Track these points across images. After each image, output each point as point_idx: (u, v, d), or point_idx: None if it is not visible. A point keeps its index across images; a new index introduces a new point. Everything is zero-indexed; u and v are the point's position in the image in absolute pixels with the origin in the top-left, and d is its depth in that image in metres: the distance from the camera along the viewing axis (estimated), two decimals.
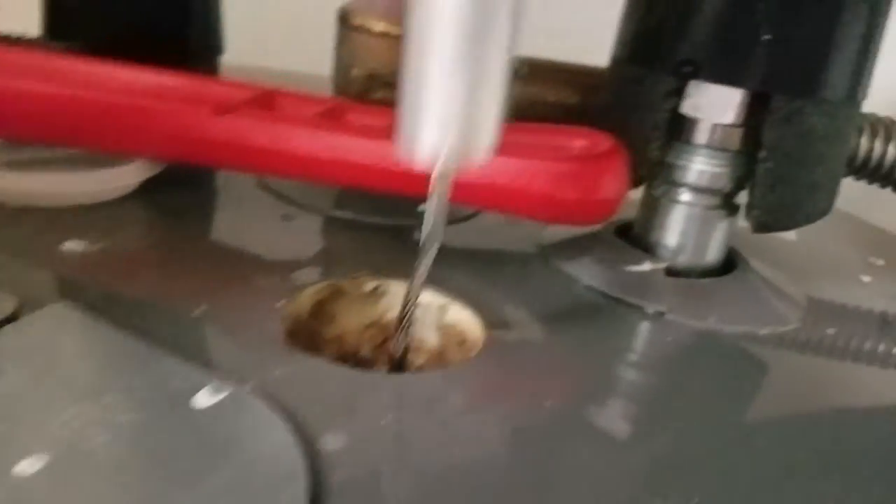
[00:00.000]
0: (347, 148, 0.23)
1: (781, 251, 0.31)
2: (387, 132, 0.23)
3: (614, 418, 0.18)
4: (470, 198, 0.23)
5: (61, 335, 0.17)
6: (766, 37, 0.22)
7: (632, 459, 0.16)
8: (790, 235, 0.33)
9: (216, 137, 0.23)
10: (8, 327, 0.17)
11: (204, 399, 0.15)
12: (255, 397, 0.15)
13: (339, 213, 0.28)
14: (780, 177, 0.24)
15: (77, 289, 0.19)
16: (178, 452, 0.14)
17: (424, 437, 0.16)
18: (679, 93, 0.24)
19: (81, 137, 0.24)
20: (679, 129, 0.24)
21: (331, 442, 0.15)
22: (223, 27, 0.37)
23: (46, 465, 0.13)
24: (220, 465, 0.13)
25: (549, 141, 0.24)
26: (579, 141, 0.24)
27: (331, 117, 0.24)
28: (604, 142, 0.23)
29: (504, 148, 0.21)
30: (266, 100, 0.25)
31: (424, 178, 0.16)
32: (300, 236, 0.26)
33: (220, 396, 0.15)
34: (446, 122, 0.15)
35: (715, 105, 0.23)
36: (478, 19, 0.15)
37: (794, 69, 0.22)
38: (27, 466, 0.13)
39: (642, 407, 0.18)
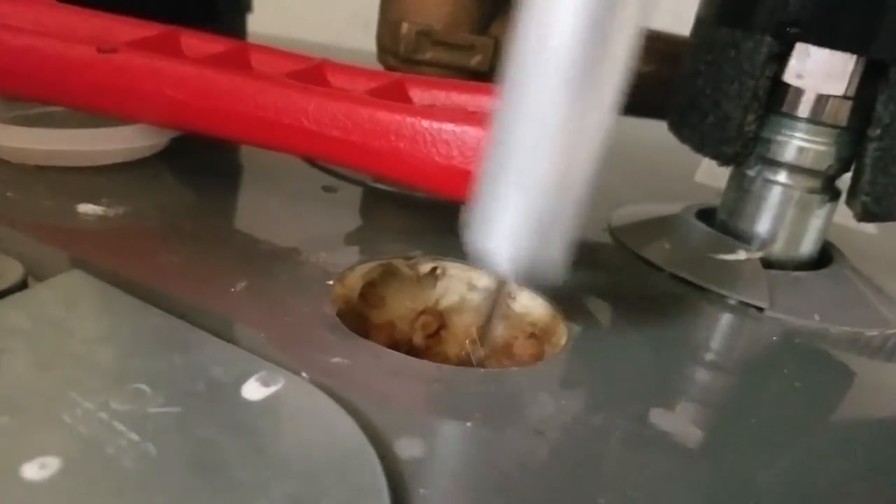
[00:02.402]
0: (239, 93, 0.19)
1: (860, 245, 0.28)
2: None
3: (707, 423, 0.15)
4: (368, 164, 0.19)
5: (78, 308, 0.14)
6: None
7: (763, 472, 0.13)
8: (870, 228, 0.30)
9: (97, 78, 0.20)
10: (14, 297, 0.14)
11: (254, 390, 0.12)
12: (317, 390, 0.13)
13: (382, 186, 0.25)
14: (895, 158, 0.21)
15: (95, 257, 0.17)
16: (228, 457, 0.11)
17: (513, 446, 0.13)
18: (781, 58, 0.21)
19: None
20: (778, 99, 0.21)
21: (408, 447, 0.12)
22: None
23: (59, 471, 0.10)
24: (281, 475, 0.11)
25: (455, 98, 0.20)
26: (490, 99, 0.20)
27: (232, 61, 0.21)
28: None
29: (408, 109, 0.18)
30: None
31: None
32: (343, 210, 0.23)
33: (274, 388, 0.12)
34: (518, 238, 0.13)
35: (823, 73, 0.20)
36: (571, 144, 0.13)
37: None
38: (36, 470, 0.10)
39: (748, 412, 0.16)
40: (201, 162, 0.24)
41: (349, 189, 0.24)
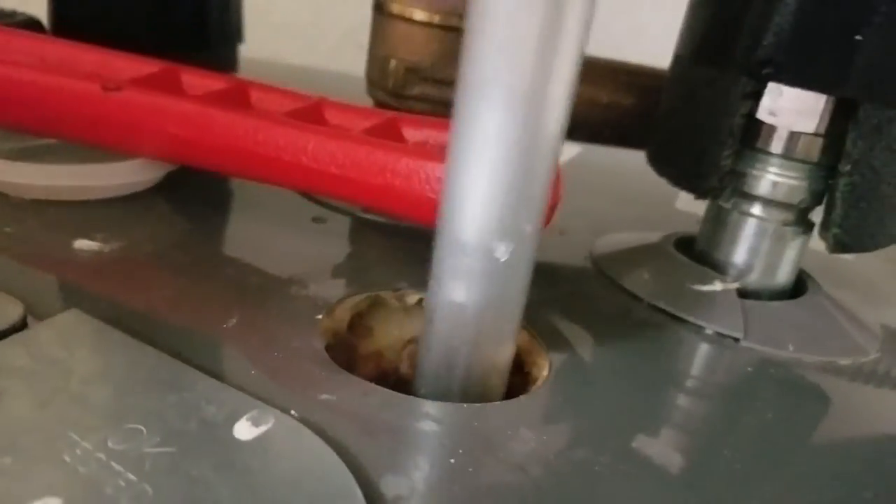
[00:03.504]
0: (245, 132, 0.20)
1: (840, 273, 0.29)
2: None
3: (686, 455, 0.15)
4: (369, 201, 0.20)
5: (76, 348, 0.14)
6: (858, 38, 0.20)
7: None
8: (848, 256, 0.31)
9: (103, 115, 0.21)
10: (13, 338, 0.14)
11: (245, 430, 0.13)
12: (306, 429, 0.13)
13: (371, 217, 0.25)
14: (865, 193, 0.21)
15: (92, 293, 0.17)
16: (221, 497, 0.11)
17: (498, 481, 0.13)
18: (755, 96, 0.22)
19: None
20: (753, 135, 0.22)
21: (393, 486, 0.13)
22: (243, 16, 0.35)
23: None
24: None
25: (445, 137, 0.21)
26: None
27: (232, 98, 0.22)
28: None
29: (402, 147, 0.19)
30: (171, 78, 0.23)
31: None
32: (333, 241, 0.23)
33: (265, 427, 0.13)
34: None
35: (795, 111, 0.21)
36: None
37: (888, 75, 0.20)
38: None
39: (725, 443, 0.16)
40: (194, 194, 0.24)
41: (338, 219, 0.25)
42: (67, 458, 0.12)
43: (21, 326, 0.15)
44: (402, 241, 0.24)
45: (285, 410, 0.14)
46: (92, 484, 0.11)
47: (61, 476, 0.11)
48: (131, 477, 0.11)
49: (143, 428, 0.12)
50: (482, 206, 0.14)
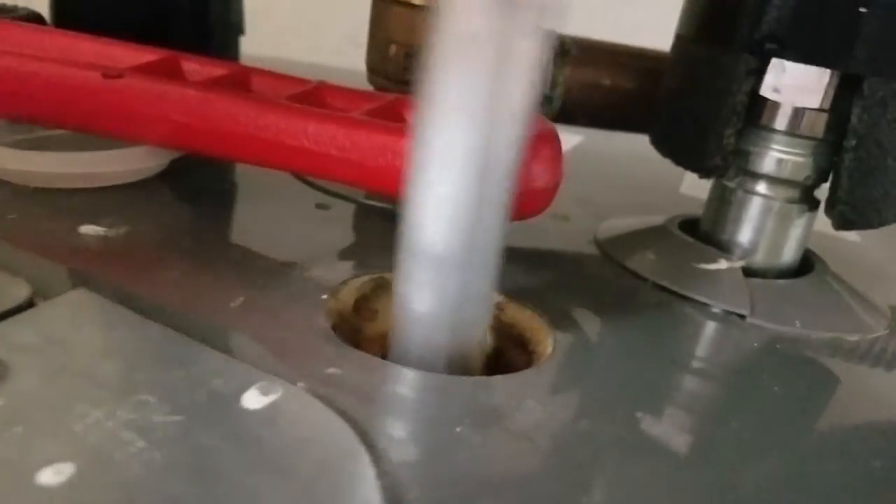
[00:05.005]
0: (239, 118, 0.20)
1: (847, 253, 0.29)
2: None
3: (692, 430, 0.15)
4: (371, 183, 0.20)
5: (82, 325, 0.14)
6: (863, 10, 0.20)
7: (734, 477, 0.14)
8: (854, 236, 0.31)
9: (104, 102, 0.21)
10: (21, 316, 0.14)
11: (253, 399, 0.13)
12: (313, 398, 0.13)
13: (374, 203, 0.25)
14: (870, 168, 0.21)
15: (98, 276, 0.17)
16: (230, 463, 0.11)
17: (503, 450, 0.13)
18: (759, 73, 0.21)
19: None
20: (756, 112, 0.22)
21: (400, 452, 0.13)
22: (243, 8, 0.35)
23: (73, 476, 0.11)
24: (281, 479, 0.11)
25: None
26: None
27: (233, 84, 0.22)
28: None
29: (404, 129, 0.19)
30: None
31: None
32: (336, 226, 0.23)
33: (272, 397, 0.13)
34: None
35: (799, 87, 0.21)
36: None
37: (892, 48, 0.20)
38: (51, 476, 0.11)
39: (731, 418, 0.16)
40: (199, 181, 0.24)
41: (342, 206, 0.25)
42: (77, 429, 0.12)
43: (28, 307, 0.15)
44: None
45: (292, 383, 0.14)
46: (102, 451, 0.11)
47: (72, 444, 0.11)
48: (140, 444, 0.11)
49: (151, 399, 0.12)
50: (439, 221, 0.14)
